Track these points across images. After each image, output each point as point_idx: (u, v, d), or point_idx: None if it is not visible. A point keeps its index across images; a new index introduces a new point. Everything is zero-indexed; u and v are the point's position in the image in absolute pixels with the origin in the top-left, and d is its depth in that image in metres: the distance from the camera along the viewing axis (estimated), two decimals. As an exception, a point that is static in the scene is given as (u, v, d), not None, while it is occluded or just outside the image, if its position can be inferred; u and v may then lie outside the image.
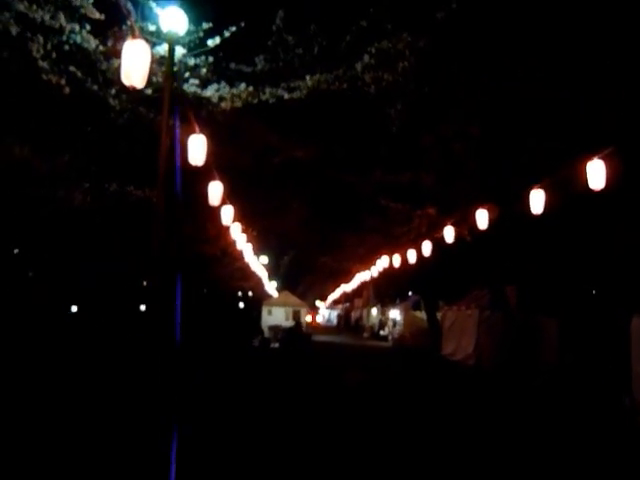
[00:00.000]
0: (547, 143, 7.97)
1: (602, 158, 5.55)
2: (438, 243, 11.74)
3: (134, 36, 4.07)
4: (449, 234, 10.67)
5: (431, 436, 7.13)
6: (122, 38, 6.04)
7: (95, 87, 6.35)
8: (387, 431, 7.31)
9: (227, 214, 9.31)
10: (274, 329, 24.41)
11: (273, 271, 35.35)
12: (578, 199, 7.66)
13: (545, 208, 6.93)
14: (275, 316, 28.33)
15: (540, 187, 6.91)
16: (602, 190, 5.67)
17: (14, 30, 5.40)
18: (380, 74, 6.57)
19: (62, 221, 7.52)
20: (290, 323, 24.43)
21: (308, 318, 34.87)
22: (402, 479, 5.37)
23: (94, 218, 7.58)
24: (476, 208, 8.99)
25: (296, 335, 18.88)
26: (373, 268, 19.92)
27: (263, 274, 26.99)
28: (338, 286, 39.35)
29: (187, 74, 6.91)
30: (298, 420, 7.70)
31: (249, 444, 6.23)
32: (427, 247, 12.22)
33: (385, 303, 29.92)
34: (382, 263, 17.78)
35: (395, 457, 6.04)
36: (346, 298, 45.64)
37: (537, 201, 6.95)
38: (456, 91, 7.69)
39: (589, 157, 5.61)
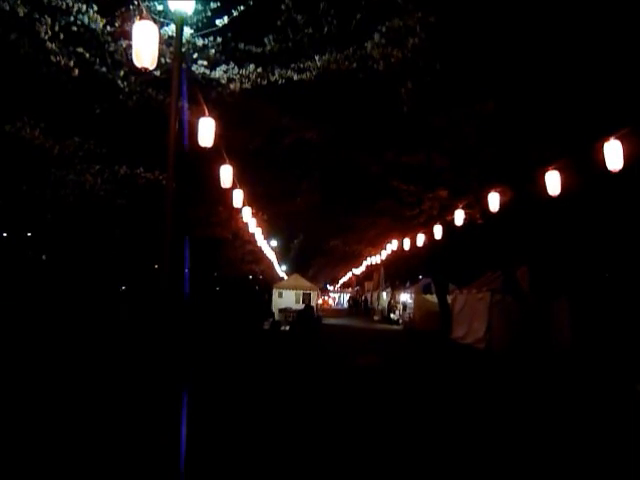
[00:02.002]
0: (561, 124, 7.79)
1: (619, 138, 5.41)
2: (449, 226, 11.64)
3: (142, 16, 4.02)
4: (460, 217, 10.57)
5: (439, 416, 7.15)
6: (129, 19, 5.98)
7: (104, 69, 6.32)
8: (396, 411, 7.35)
9: (237, 197, 9.32)
10: (285, 312, 24.56)
11: (283, 254, 35.49)
12: (593, 180, 7.51)
13: (560, 189, 6.81)
14: (286, 299, 28.44)
15: (555, 168, 6.78)
16: (618, 171, 5.54)
17: (21, 11, 5.36)
18: (390, 51, 6.43)
19: (76, 204, 7.56)
20: (300, 306, 24.55)
21: (319, 301, 35.00)
22: (410, 457, 5.40)
23: (105, 201, 7.60)
24: (488, 191, 8.87)
25: (306, 318, 18.98)
26: (383, 251, 19.88)
27: (273, 257, 27.08)
28: (349, 269, 39.38)
29: (195, 55, 6.83)
30: (307, 399, 7.76)
31: (253, 429, 6.30)
32: (438, 230, 12.13)
33: (396, 286, 29.90)
34: (392, 246, 17.74)
35: (402, 436, 6.07)
36: (357, 281, 45.71)
37: (552, 182, 6.83)
38: (467, 69, 7.53)
39: (606, 137, 5.47)
